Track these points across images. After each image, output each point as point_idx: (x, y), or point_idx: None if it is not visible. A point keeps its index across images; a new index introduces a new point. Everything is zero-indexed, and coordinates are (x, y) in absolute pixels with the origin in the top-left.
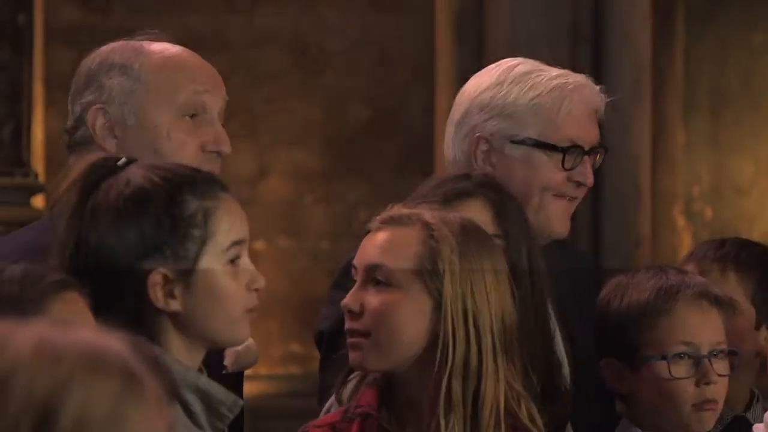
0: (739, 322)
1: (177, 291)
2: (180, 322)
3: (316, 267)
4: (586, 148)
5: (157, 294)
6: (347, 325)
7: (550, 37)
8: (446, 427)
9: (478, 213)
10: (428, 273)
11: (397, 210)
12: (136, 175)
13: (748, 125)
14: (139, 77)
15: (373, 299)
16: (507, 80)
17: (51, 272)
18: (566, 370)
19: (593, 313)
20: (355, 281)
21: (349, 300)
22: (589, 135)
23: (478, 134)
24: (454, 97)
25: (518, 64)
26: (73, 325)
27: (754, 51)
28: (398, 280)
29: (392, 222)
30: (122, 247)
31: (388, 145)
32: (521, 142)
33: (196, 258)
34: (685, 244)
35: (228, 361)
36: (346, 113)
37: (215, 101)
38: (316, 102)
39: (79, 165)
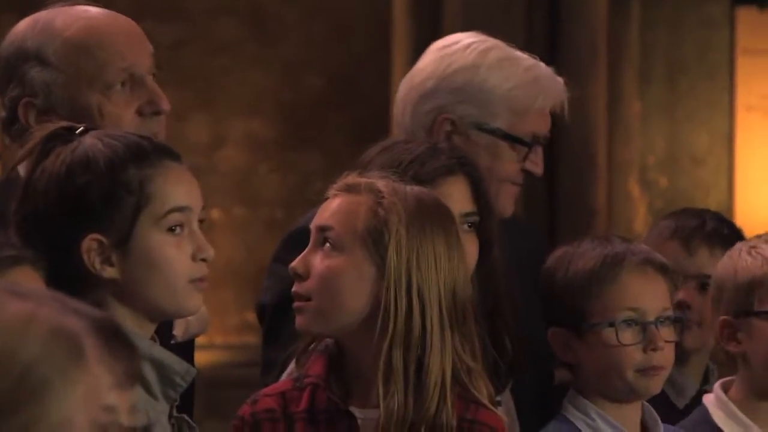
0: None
1: (114, 258)
2: (121, 291)
3: (271, 236)
4: (542, 141)
5: (92, 260)
6: (294, 289)
7: (505, 8)
8: (385, 396)
9: (461, 189)
10: (373, 240)
11: (352, 178)
12: (84, 142)
13: (704, 96)
14: (58, 66)
15: (319, 264)
16: (484, 65)
17: (7, 244)
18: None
19: (536, 285)
20: (296, 253)
21: (296, 263)
22: (547, 128)
23: (444, 114)
24: (409, 67)
25: (492, 48)
26: (17, 292)
27: (709, 22)
28: (344, 244)
29: (347, 189)
30: (60, 212)
31: (342, 115)
32: (490, 132)
33: (131, 224)
34: (640, 213)
35: (177, 330)
36: (302, 83)
37: (141, 62)
38: (271, 72)
39: (38, 133)
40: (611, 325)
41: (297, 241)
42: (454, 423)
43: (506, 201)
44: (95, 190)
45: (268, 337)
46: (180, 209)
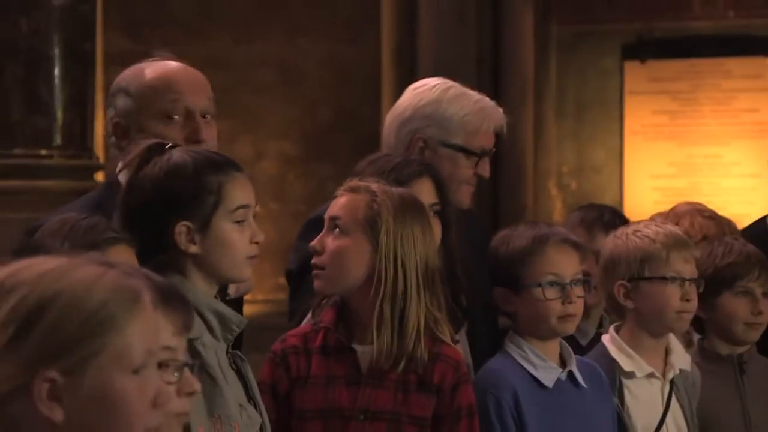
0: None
1: (197, 238)
2: (200, 262)
3: (297, 224)
4: (489, 153)
5: (181, 240)
6: (314, 261)
7: (462, 62)
8: (378, 337)
9: (428, 187)
10: (369, 227)
11: (354, 182)
12: (175, 154)
13: (601, 124)
14: (134, 97)
15: (331, 243)
16: (444, 99)
17: (110, 228)
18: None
19: (485, 257)
20: (313, 234)
21: (315, 243)
22: (492, 143)
23: (418, 136)
24: (395, 103)
25: (450, 87)
26: (108, 264)
27: (605, 71)
28: (349, 230)
29: (351, 190)
30: (159, 205)
31: (347, 138)
32: (450, 146)
33: (211, 215)
34: (557, 208)
35: (231, 290)
36: (318, 115)
37: (195, 101)
38: (296, 107)
39: (138, 146)
40: (539, 285)
41: (314, 225)
42: (426, 356)
43: (464, 197)
44: (186, 189)
45: (293, 294)
46: (244, 206)
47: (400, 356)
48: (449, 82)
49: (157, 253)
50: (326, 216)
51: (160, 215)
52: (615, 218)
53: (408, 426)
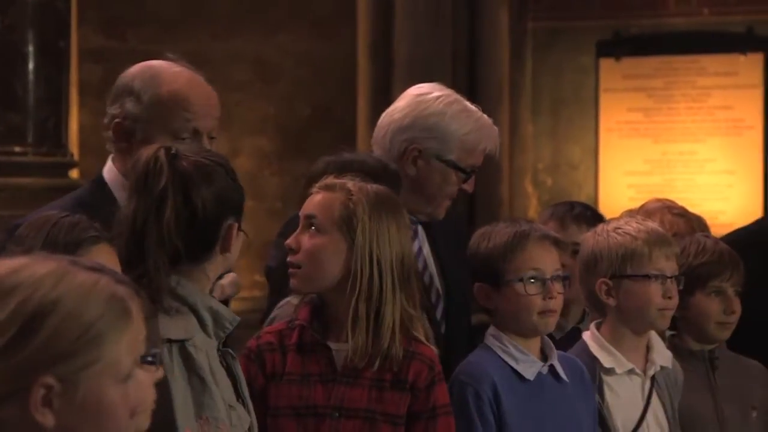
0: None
1: (237, 237)
2: (226, 261)
3: (272, 221)
4: (477, 171)
5: (233, 239)
6: (289, 259)
7: (438, 60)
8: (353, 335)
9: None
10: (346, 225)
11: (330, 180)
12: (200, 158)
13: (577, 121)
14: (146, 107)
15: (307, 241)
16: (448, 113)
17: (92, 227)
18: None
19: (464, 254)
20: (291, 232)
21: (290, 241)
22: (480, 162)
23: (415, 144)
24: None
25: (454, 101)
26: (96, 268)
27: (581, 69)
28: (325, 227)
29: (326, 188)
30: (219, 207)
31: (322, 134)
32: (445, 161)
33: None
34: (533, 204)
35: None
36: (294, 111)
37: (204, 123)
38: (272, 103)
39: (147, 150)
40: (520, 280)
41: (296, 223)
42: (401, 354)
43: (442, 210)
44: (235, 191)
45: (272, 290)
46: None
47: (375, 354)
48: (452, 95)
49: (201, 253)
50: (301, 214)
51: (221, 217)
52: (586, 211)
53: (382, 424)
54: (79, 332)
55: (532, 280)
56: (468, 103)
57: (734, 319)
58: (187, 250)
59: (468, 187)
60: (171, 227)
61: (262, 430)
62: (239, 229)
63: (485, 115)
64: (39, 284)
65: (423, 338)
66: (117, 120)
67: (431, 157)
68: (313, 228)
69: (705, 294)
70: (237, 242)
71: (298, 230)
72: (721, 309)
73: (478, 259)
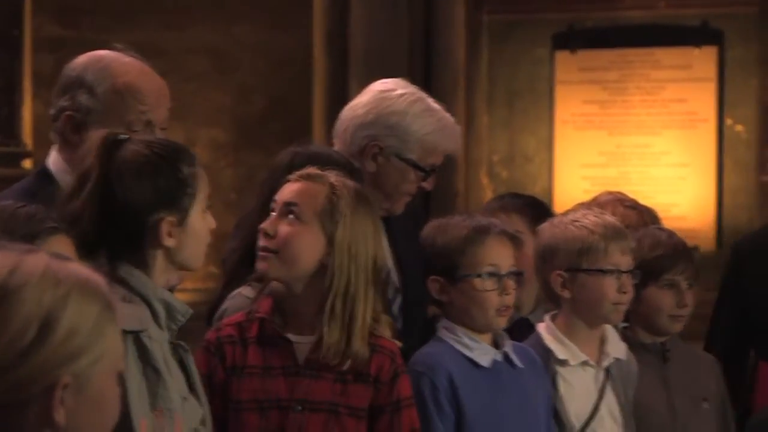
0: (525, 250)
1: (175, 232)
2: (169, 254)
3: (227, 212)
4: (437, 170)
5: (164, 234)
6: (262, 243)
7: (394, 51)
8: (328, 332)
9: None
10: (328, 218)
11: (312, 170)
12: (140, 149)
13: (532, 113)
14: (100, 99)
15: (285, 228)
16: (410, 113)
17: (49, 218)
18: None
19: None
20: (251, 222)
21: (267, 225)
22: (441, 162)
23: (376, 142)
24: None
25: (417, 100)
26: (69, 259)
27: (536, 61)
28: (306, 217)
29: (308, 177)
30: (144, 199)
31: (278, 125)
32: (405, 160)
33: (188, 209)
34: (488, 196)
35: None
36: (250, 102)
37: (157, 114)
38: (228, 94)
39: (94, 137)
40: (479, 275)
41: (255, 215)
42: (368, 354)
43: (400, 207)
44: (169, 184)
45: (228, 281)
46: (208, 195)
47: (347, 354)
48: (415, 93)
49: (125, 245)
50: (279, 200)
51: (145, 210)
52: (534, 202)
53: (346, 417)
54: (89, 326)
55: (490, 276)
56: (432, 102)
57: (686, 312)
58: (110, 242)
59: (427, 185)
60: (93, 219)
61: (223, 422)
62: (180, 223)
63: (448, 115)
64: (45, 281)
65: (388, 334)
66: (68, 113)
67: (391, 155)
68: (292, 216)
69: (658, 287)
70: (185, 236)
71: (273, 216)
72: (674, 302)
73: (434, 251)
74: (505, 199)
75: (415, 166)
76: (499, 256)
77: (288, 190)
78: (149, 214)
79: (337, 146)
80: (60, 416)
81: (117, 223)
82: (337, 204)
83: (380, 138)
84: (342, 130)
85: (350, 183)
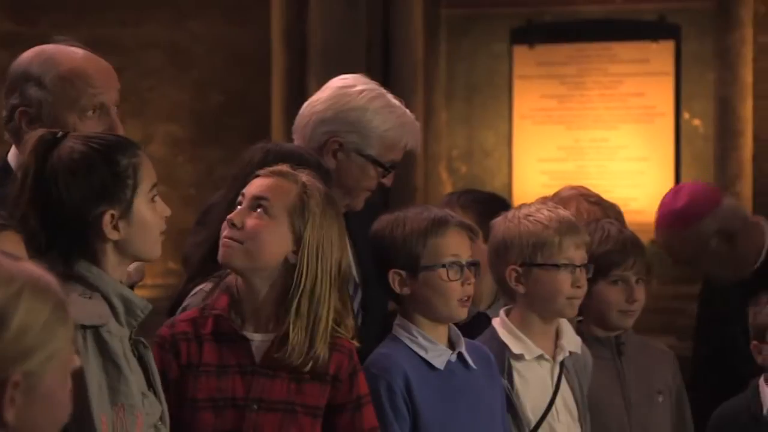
0: (479, 242)
1: (120, 225)
2: (119, 247)
3: (186, 207)
4: (396, 166)
5: (107, 228)
6: (228, 234)
7: (353, 46)
8: (294, 333)
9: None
10: (297, 216)
11: (284, 167)
12: (76, 145)
13: (491, 108)
14: (50, 90)
15: (253, 220)
16: (370, 109)
17: None
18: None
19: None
20: (219, 217)
21: (235, 216)
22: (400, 158)
23: (336, 138)
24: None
25: (377, 96)
26: (21, 258)
27: (494, 56)
28: (275, 213)
29: (279, 174)
30: (81, 198)
31: (236, 121)
32: (365, 156)
33: (132, 200)
34: (447, 191)
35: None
36: (208, 98)
37: (110, 96)
38: (185, 90)
39: (31, 137)
40: (443, 266)
41: (216, 211)
42: (327, 354)
43: (360, 202)
44: (106, 178)
45: (189, 278)
46: (155, 184)
47: (310, 355)
48: (375, 89)
49: (74, 241)
50: (248, 193)
51: (84, 207)
52: (494, 198)
53: (302, 416)
54: (40, 325)
55: (452, 267)
56: (391, 98)
57: (637, 307)
58: (59, 240)
59: (387, 181)
60: (38, 218)
61: (176, 420)
62: (124, 216)
63: (408, 111)
64: None
65: (348, 334)
66: (21, 108)
67: (351, 151)
68: (260, 210)
69: (608, 282)
70: (131, 228)
71: (241, 208)
72: (623, 297)
73: (392, 244)
74: (461, 196)
75: (375, 162)
76: (459, 246)
77: (258, 185)
78: (89, 210)
79: (297, 142)
80: (10, 415)
81: (60, 221)
82: (308, 203)
83: (340, 134)
84: (302, 126)
85: (320, 185)
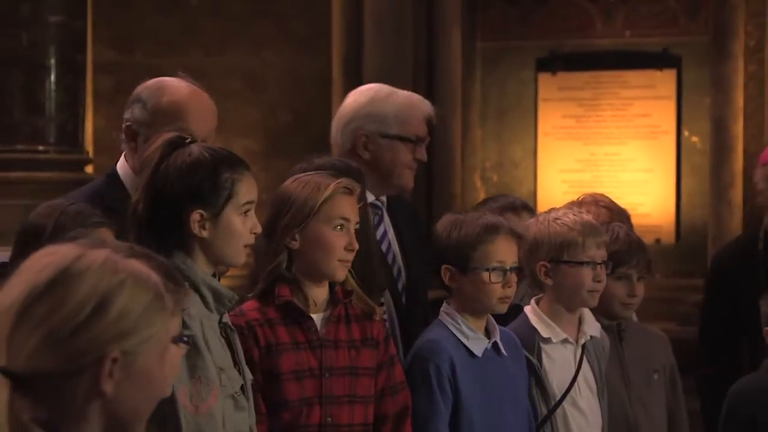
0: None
1: (207, 225)
2: (206, 246)
3: (258, 209)
4: (424, 140)
5: (195, 225)
6: (349, 257)
7: (401, 72)
8: (335, 306)
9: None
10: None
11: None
12: (194, 150)
13: (519, 126)
14: (150, 112)
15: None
16: (378, 98)
17: (94, 213)
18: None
19: (422, 237)
20: None
21: (355, 243)
22: (424, 131)
23: (360, 132)
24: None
25: (381, 88)
26: (132, 257)
27: (522, 82)
28: (350, 229)
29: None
30: (179, 193)
31: (301, 137)
32: (388, 137)
33: (223, 207)
34: (481, 197)
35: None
36: (278, 117)
37: (199, 131)
38: (259, 110)
39: (159, 138)
40: (487, 269)
41: None
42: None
43: (407, 181)
44: (205, 182)
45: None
46: (249, 202)
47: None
48: (381, 85)
49: (172, 232)
50: (341, 217)
51: (180, 202)
52: (521, 203)
53: (363, 377)
54: (139, 311)
55: (496, 270)
56: (395, 89)
57: (636, 300)
58: (157, 230)
59: (421, 156)
60: (146, 205)
61: (268, 391)
62: (213, 219)
63: (414, 93)
64: (104, 269)
65: (377, 305)
66: (127, 123)
67: (376, 136)
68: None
69: (613, 278)
70: (217, 231)
71: (345, 233)
72: (625, 292)
73: (448, 244)
74: (497, 200)
75: (400, 138)
76: (505, 253)
77: (347, 207)
78: (184, 206)
79: (335, 152)
80: (108, 386)
81: (162, 212)
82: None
83: (362, 127)
84: (333, 137)
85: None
